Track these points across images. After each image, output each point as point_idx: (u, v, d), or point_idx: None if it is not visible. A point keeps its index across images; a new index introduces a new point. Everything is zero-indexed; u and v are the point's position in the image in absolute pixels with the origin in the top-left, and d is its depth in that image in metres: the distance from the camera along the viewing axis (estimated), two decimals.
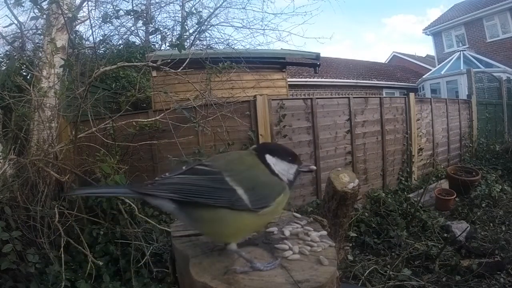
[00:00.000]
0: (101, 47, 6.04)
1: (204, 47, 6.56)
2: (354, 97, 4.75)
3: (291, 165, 0.72)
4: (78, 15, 3.26)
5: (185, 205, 0.65)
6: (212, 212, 0.64)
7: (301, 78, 11.40)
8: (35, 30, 3.85)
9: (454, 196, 4.64)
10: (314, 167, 0.78)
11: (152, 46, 7.75)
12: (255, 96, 3.83)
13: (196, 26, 7.67)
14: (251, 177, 0.67)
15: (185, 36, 7.20)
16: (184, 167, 0.70)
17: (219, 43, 8.32)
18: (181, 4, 8.77)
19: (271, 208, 0.67)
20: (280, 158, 0.71)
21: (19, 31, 3.63)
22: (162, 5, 8.65)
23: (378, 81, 13.47)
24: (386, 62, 18.51)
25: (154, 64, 2.96)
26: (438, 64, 13.24)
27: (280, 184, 0.69)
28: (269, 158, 0.70)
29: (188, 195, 0.63)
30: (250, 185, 0.65)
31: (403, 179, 5.24)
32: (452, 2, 17.76)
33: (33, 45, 4.04)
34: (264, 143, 0.65)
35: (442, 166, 6.00)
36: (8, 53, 4.24)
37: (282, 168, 0.71)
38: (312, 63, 6.31)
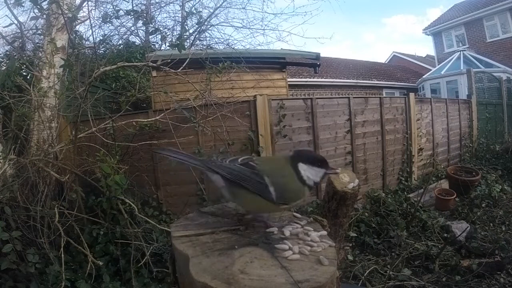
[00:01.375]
0: (101, 47, 6.04)
1: (204, 47, 6.56)
2: (354, 97, 4.75)
3: (319, 169, 0.87)
4: (78, 15, 3.26)
5: (232, 185, 0.85)
6: (249, 194, 0.84)
7: (301, 78, 11.40)
8: (35, 30, 3.85)
9: (454, 196, 4.63)
10: (339, 170, 0.99)
11: (152, 46, 7.75)
12: (255, 96, 3.83)
13: (196, 26, 7.69)
14: (282, 182, 0.85)
15: (185, 36, 7.20)
16: (240, 159, 0.89)
17: (219, 43, 8.34)
18: (181, 4, 8.78)
19: (288, 206, 0.88)
20: (310, 165, 0.87)
21: (19, 31, 3.62)
22: (162, 5, 8.66)
23: (378, 81, 13.47)
24: (386, 62, 18.52)
25: (154, 64, 2.97)
26: (438, 64, 13.25)
27: (301, 190, 0.86)
28: (301, 166, 0.86)
29: (237, 178, 0.84)
30: (279, 187, 0.84)
31: (403, 179, 5.25)
32: (452, 2, 17.74)
33: (33, 45, 4.04)
34: (299, 152, 0.90)
35: (442, 166, 6.00)
36: (8, 53, 4.24)
37: (311, 173, 0.86)
38: (312, 63, 6.31)
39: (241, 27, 9.13)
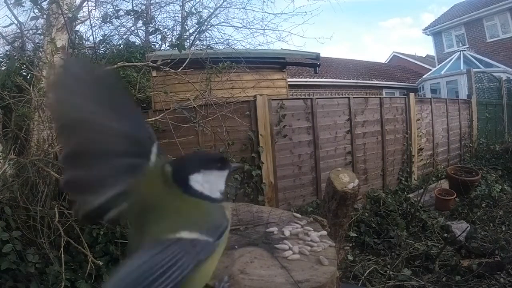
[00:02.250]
0: (101, 47, 6.03)
1: (204, 47, 6.55)
2: (354, 97, 4.75)
3: (220, 172, 0.60)
4: (78, 15, 3.26)
5: None
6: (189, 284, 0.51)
7: (301, 78, 11.39)
8: (35, 30, 3.85)
9: (454, 196, 4.63)
10: (240, 165, 0.66)
11: (152, 46, 7.74)
12: (255, 96, 3.83)
13: (196, 26, 7.67)
14: (187, 216, 0.54)
15: (185, 36, 7.20)
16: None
17: (219, 43, 8.32)
18: (181, 4, 8.78)
19: (228, 228, 0.58)
20: (206, 170, 0.57)
21: (19, 31, 3.62)
22: (162, 5, 8.65)
23: (378, 81, 13.46)
24: (386, 62, 18.51)
25: (154, 64, 2.97)
26: (438, 64, 13.24)
27: (216, 207, 0.57)
28: (195, 178, 0.56)
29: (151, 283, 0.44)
30: (193, 222, 0.53)
31: (403, 179, 5.25)
32: (451, 3, 17.75)
33: (33, 45, 4.03)
34: (180, 162, 0.55)
35: (442, 166, 6.00)
36: (8, 53, 4.24)
37: (212, 181, 0.57)
38: (312, 63, 6.31)
39: (241, 27, 9.13)
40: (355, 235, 3.50)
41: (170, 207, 0.54)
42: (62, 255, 2.13)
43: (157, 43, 8.22)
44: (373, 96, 7.39)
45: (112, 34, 6.92)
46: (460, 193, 4.74)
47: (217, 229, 0.55)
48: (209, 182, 0.57)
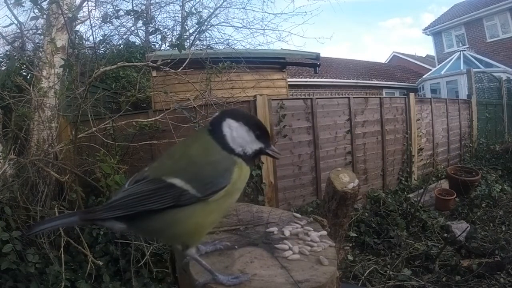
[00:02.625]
0: (101, 47, 6.03)
1: (204, 47, 6.55)
2: (354, 97, 4.75)
3: (254, 139, 0.62)
4: (78, 15, 3.26)
5: (133, 221, 0.59)
6: (161, 218, 0.57)
7: (301, 78, 11.40)
8: (35, 30, 3.85)
9: (454, 196, 4.63)
10: (279, 156, 0.70)
11: (152, 46, 7.74)
12: (255, 96, 3.83)
13: (196, 26, 7.67)
14: (187, 163, 0.59)
15: (185, 36, 7.20)
16: (127, 182, 0.64)
17: (219, 43, 8.31)
18: (181, 4, 8.77)
19: (227, 188, 0.59)
20: (246, 125, 0.61)
21: (19, 31, 3.62)
22: (162, 5, 8.64)
23: (378, 81, 13.46)
24: (386, 62, 18.51)
25: (154, 64, 2.96)
26: (438, 64, 13.24)
27: (227, 159, 0.59)
28: (228, 123, 0.60)
29: (129, 208, 0.57)
30: (188, 172, 0.58)
31: (403, 179, 5.25)
32: (451, 3, 17.75)
33: (33, 45, 4.03)
34: (228, 109, 0.62)
35: (442, 166, 6.00)
36: (8, 53, 4.23)
37: (241, 135, 0.60)
38: (312, 63, 6.31)
39: (241, 27, 9.10)
40: (355, 235, 3.50)
41: (182, 151, 0.62)
42: (62, 255, 2.13)
43: (157, 43, 8.23)
44: (373, 96, 7.40)
45: (112, 34, 6.93)
46: (460, 193, 4.74)
47: (210, 187, 0.57)
48: (239, 136, 0.59)
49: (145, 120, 3.41)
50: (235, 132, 0.60)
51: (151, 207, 0.57)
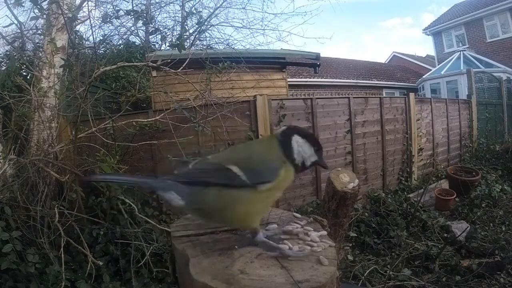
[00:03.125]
0: (101, 47, 6.03)
1: (204, 47, 6.55)
2: (354, 97, 4.76)
3: (313, 153, 0.76)
4: (78, 15, 3.26)
5: (191, 196, 0.69)
6: (215, 194, 0.68)
7: (301, 78, 11.39)
8: (35, 30, 3.85)
9: (454, 196, 4.63)
10: (327, 166, 0.85)
11: (152, 46, 7.74)
12: (255, 96, 3.83)
13: (196, 26, 7.66)
14: (247, 156, 0.72)
15: (185, 36, 7.20)
16: (190, 165, 0.75)
17: (219, 43, 8.31)
18: (181, 4, 8.77)
19: (273, 184, 0.69)
20: (307, 141, 0.75)
21: (19, 31, 3.62)
22: (162, 5, 8.64)
23: (378, 81, 13.46)
24: (386, 62, 18.51)
25: (154, 64, 2.96)
26: (438, 64, 13.24)
27: (278, 159, 0.71)
28: (296, 138, 0.73)
29: (191, 178, 0.69)
30: (246, 164, 0.69)
31: (403, 179, 5.25)
32: (451, 3, 17.76)
33: (33, 45, 4.03)
34: (297, 126, 0.77)
35: (442, 166, 6.00)
36: (8, 53, 4.24)
37: (305, 151, 0.74)
38: (312, 63, 6.31)
39: (241, 27, 9.09)
40: (355, 235, 3.50)
41: (246, 148, 0.77)
42: (62, 255, 2.13)
43: (157, 43, 8.23)
44: (373, 96, 7.40)
45: (112, 34, 6.92)
46: (460, 193, 4.74)
47: (257, 178, 0.68)
48: (303, 150, 0.74)
49: (145, 120, 3.41)
50: (300, 147, 0.73)
51: (209, 179, 0.68)
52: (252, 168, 0.68)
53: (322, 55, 6.16)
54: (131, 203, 2.58)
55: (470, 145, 6.94)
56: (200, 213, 0.73)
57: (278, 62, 5.63)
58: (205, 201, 0.69)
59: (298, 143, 0.73)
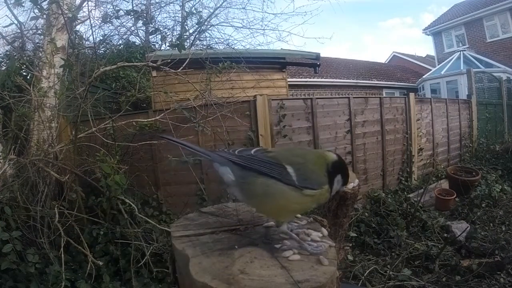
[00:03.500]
0: (101, 47, 6.03)
1: (204, 47, 6.55)
2: (354, 97, 4.75)
3: (341, 185, 0.84)
4: (78, 15, 3.26)
5: (244, 176, 0.76)
6: (264, 183, 0.74)
7: (301, 78, 11.39)
8: (35, 30, 3.85)
9: (454, 196, 4.63)
10: (346, 189, 0.99)
11: (152, 46, 7.74)
12: (255, 96, 3.83)
13: (196, 26, 7.66)
14: (302, 162, 0.78)
15: (185, 36, 7.20)
16: (252, 151, 0.82)
17: (219, 43, 8.32)
18: (181, 4, 8.78)
19: (314, 192, 0.77)
20: (342, 179, 0.83)
21: (19, 31, 3.62)
22: (162, 5, 8.65)
23: (378, 81, 13.47)
24: (386, 62, 18.51)
25: (154, 64, 2.97)
26: (438, 64, 13.25)
27: (325, 179, 0.79)
28: (338, 178, 0.81)
29: (247, 162, 0.76)
30: (299, 167, 0.76)
31: (403, 179, 5.24)
32: (451, 3, 17.75)
33: (33, 45, 4.04)
34: (341, 164, 0.85)
35: (442, 166, 6.00)
36: (8, 53, 4.24)
37: (337, 187, 0.83)
38: (312, 63, 6.31)
39: (241, 27, 9.10)
40: (355, 235, 3.50)
41: (302, 153, 0.84)
42: (62, 255, 2.13)
43: (157, 43, 8.24)
44: (373, 96, 7.40)
45: (112, 34, 6.91)
46: (460, 193, 4.74)
47: (305, 184, 0.75)
48: (338, 184, 0.82)
49: (145, 120, 3.41)
50: (338, 184, 0.82)
51: (262, 170, 0.74)
52: (304, 173, 0.76)
53: (322, 55, 6.15)
54: (131, 203, 2.58)
55: (470, 145, 6.94)
56: (244, 193, 0.78)
57: (278, 62, 5.63)
58: (253, 184, 0.76)
59: (338, 181, 0.82)
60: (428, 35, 14.87)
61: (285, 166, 0.75)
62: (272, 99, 3.99)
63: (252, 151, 0.81)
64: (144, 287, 2.50)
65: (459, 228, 3.61)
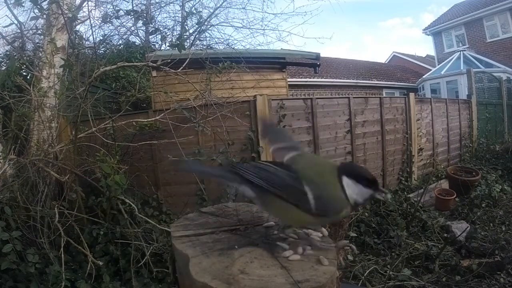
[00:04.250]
0: (101, 47, 6.04)
1: (204, 47, 6.56)
2: (354, 97, 4.75)
3: (365, 189, 0.78)
4: (78, 15, 3.26)
5: (265, 195, 0.76)
6: (283, 204, 0.74)
7: (301, 78, 11.39)
8: (35, 30, 3.85)
9: (454, 196, 4.63)
10: (389, 196, 0.91)
11: (152, 46, 7.75)
12: (255, 96, 3.83)
13: (196, 26, 7.66)
14: (323, 189, 0.75)
15: (185, 36, 7.20)
16: (285, 158, 0.81)
17: (219, 43, 8.32)
18: (181, 4, 8.78)
19: (329, 219, 0.81)
20: (355, 181, 0.77)
21: (19, 31, 3.62)
22: (162, 5, 8.65)
23: (378, 81, 13.46)
24: (386, 62, 18.51)
25: (154, 64, 2.97)
26: (438, 64, 13.25)
27: (344, 202, 0.76)
28: (345, 180, 0.77)
29: (273, 186, 0.74)
30: (319, 195, 0.74)
31: (403, 179, 5.24)
32: (451, 3, 17.75)
33: (33, 45, 4.04)
34: (345, 165, 0.82)
35: (442, 166, 6.00)
36: (8, 53, 4.24)
37: (354, 191, 0.77)
38: (312, 63, 6.31)
39: (241, 27, 9.09)
40: (355, 235, 3.50)
41: (321, 170, 0.81)
42: (62, 255, 2.13)
43: (157, 43, 8.24)
44: (373, 96, 7.40)
45: (112, 34, 6.92)
46: (460, 193, 4.74)
47: (321, 210, 0.74)
48: (352, 191, 0.77)
49: (145, 120, 3.41)
50: (350, 189, 0.76)
51: (283, 195, 0.73)
52: (322, 199, 0.74)
53: (322, 55, 6.15)
54: (131, 203, 2.58)
55: (470, 145, 6.94)
56: (264, 206, 0.81)
57: (278, 62, 5.63)
58: (273, 202, 0.76)
59: (348, 185, 0.76)
60: (428, 35, 14.88)
61: (306, 192, 0.73)
62: (272, 99, 3.99)
63: (285, 158, 0.81)
64: (144, 287, 2.50)
65: (459, 228, 3.61)
